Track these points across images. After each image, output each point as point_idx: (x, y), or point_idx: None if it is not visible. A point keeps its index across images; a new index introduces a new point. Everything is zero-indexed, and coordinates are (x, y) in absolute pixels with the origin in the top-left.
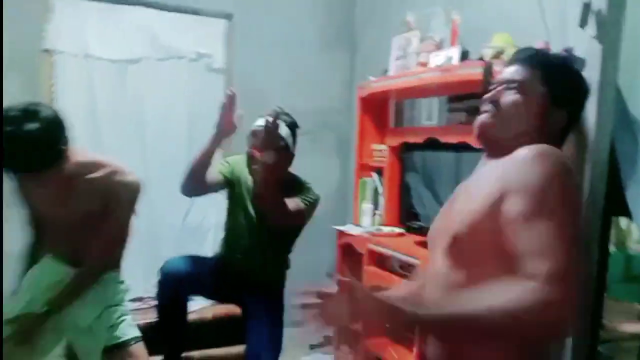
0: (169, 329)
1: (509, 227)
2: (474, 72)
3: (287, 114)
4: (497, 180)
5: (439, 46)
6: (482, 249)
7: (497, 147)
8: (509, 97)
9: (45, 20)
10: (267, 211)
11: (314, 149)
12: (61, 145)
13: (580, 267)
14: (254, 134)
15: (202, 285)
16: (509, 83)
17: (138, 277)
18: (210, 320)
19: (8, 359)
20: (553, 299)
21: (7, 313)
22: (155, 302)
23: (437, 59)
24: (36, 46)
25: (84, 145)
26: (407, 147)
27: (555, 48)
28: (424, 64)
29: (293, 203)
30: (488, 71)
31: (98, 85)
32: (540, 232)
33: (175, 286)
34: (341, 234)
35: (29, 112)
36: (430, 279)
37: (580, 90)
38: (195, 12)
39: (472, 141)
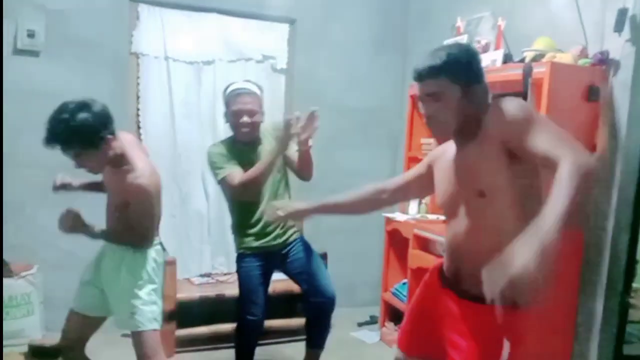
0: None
1: (526, 149)
2: (514, 73)
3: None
4: (496, 138)
5: (484, 49)
6: (505, 190)
7: (456, 140)
8: (433, 107)
9: (133, 27)
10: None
11: (367, 143)
12: (103, 133)
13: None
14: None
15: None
16: (428, 96)
17: (206, 256)
18: (270, 295)
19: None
20: (587, 158)
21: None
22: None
23: (482, 61)
24: (125, 50)
25: (161, 136)
26: None
27: (592, 51)
28: None
29: None
30: (527, 72)
31: (176, 84)
32: (549, 136)
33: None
34: (389, 220)
35: (83, 105)
36: (471, 228)
37: (472, 62)
38: (262, 18)
39: None
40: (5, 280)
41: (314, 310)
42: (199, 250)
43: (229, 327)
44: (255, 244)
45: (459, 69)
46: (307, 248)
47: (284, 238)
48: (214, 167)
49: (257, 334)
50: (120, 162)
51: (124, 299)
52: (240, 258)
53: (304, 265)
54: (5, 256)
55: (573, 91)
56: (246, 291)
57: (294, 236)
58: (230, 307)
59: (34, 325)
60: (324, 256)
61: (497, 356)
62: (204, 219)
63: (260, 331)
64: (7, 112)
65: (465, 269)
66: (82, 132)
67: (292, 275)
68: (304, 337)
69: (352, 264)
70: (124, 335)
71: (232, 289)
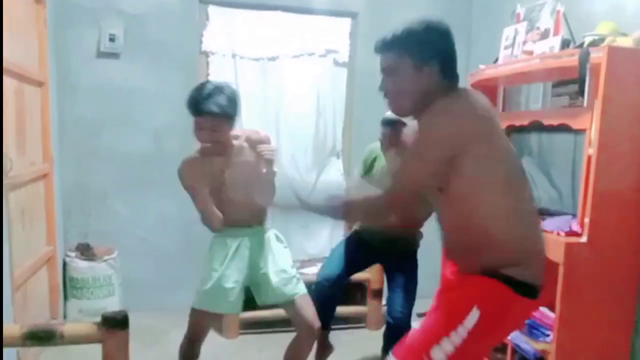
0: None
1: None
2: (571, 59)
3: None
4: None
5: (543, 35)
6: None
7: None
8: (389, 82)
9: (202, 27)
10: None
11: None
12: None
13: None
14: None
15: (353, 268)
16: (384, 73)
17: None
18: None
19: None
20: (388, 199)
21: None
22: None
23: (540, 47)
24: (196, 49)
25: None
26: (513, 130)
27: None
28: (529, 53)
29: None
30: (584, 58)
31: (243, 80)
32: (404, 162)
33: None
34: None
35: (221, 87)
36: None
37: (432, 40)
38: (324, 13)
39: (572, 123)
40: (90, 263)
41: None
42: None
43: None
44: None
45: (414, 44)
46: (412, 266)
47: (395, 242)
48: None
49: (324, 300)
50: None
51: (287, 271)
52: (351, 233)
53: (395, 278)
54: (89, 241)
55: (634, 77)
56: (331, 255)
57: (408, 248)
58: None
59: (114, 304)
60: None
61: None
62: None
63: (327, 296)
64: (91, 109)
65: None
66: (235, 102)
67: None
68: (358, 324)
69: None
70: None
71: None
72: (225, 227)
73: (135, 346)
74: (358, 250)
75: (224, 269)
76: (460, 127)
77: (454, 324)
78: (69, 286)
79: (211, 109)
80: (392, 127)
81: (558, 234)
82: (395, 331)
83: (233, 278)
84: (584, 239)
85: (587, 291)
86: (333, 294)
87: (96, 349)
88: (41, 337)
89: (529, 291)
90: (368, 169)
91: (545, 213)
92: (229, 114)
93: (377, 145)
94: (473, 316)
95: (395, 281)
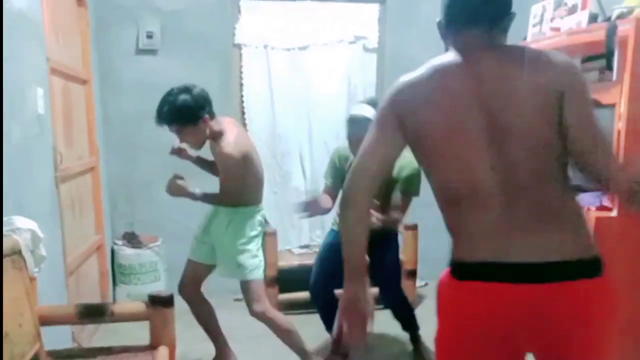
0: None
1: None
2: (598, 33)
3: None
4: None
5: (571, 11)
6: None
7: None
8: None
9: (235, 20)
10: None
11: None
12: (201, 113)
13: None
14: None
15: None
16: None
17: (305, 229)
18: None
19: None
20: None
21: None
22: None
23: (568, 23)
24: (229, 42)
25: (263, 119)
26: None
27: None
28: (557, 29)
29: None
30: (611, 31)
31: (275, 70)
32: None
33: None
34: None
35: (185, 89)
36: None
37: None
38: (352, 0)
39: (601, 98)
40: (136, 251)
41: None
42: (298, 224)
43: None
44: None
45: None
46: (393, 245)
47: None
48: None
49: (320, 307)
50: (219, 137)
51: (231, 252)
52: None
53: (379, 262)
54: (134, 230)
55: None
56: (316, 261)
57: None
58: None
59: (160, 289)
60: (414, 227)
61: None
62: (302, 195)
63: (321, 304)
64: (132, 104)
65: None
66: (181, 111)
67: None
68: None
69: (439, 238)
70: (237, 300)
71: None
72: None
73: (180, 327)
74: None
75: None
76: None
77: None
78: (117, 272)
79: (160, 122)
80: (362, 125)
81: (588, 209)
82: (400, 309)
83: (199, 235)
84: (614, 213)
85: (619, 264)
86: (326, 301)
87: (146, 332)
88: (94, 314)
89: (457, 271)
90: (338, 170)
91: (577, 190)
92: (178, 121)
93: (344, 146)
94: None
95: (379, 263)
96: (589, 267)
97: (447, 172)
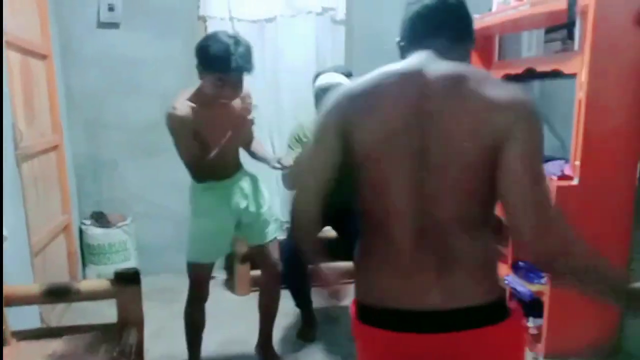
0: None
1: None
2: (560, 2)
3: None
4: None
5: None
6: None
7: None
8: None
9: None
10: None
11: None
12: None
13: None
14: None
15: None
16: None
17: (276, 205)
18: None
19: None
20: None
21: None
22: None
23: None
24: (194, 14)
25: None
26: (509, 79)
27: None
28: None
29: None
30: (573, 2)
31: None
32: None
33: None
34: None
35: (238, 39)
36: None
37: None
38: None
39: (563, 67)
40: (104, 230)
41: None
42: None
43: None
44: None
45: None
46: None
47: None
48: None
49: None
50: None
51: (269, 211)
52: None
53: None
54: (102, 209)
55: (623, 18)
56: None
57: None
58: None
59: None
60: None
61: None
62: (273, 171)
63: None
64: (96, 80)
65: None
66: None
67: None
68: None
69: None
70: None
71: None
72: (208, 180)
73: (153, 305)
74: None
75: (210, 219)
76: None
77: None
78: (86, 253)
79: (244, 65)
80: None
81: (550, 179)
82: None
83: (218, 225)
84: (575, 181)
85: (580, 231)
86: (299, 276)
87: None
88: (59, 293)
89: (359, 312)
90: (300, 143)
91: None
92: (252, 67)
93: (309, 121)
94: None
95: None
96: (494, 313)
97: (370, 190)
